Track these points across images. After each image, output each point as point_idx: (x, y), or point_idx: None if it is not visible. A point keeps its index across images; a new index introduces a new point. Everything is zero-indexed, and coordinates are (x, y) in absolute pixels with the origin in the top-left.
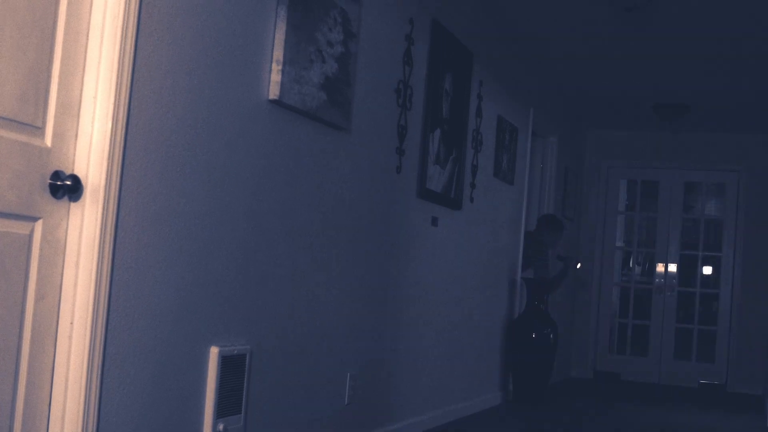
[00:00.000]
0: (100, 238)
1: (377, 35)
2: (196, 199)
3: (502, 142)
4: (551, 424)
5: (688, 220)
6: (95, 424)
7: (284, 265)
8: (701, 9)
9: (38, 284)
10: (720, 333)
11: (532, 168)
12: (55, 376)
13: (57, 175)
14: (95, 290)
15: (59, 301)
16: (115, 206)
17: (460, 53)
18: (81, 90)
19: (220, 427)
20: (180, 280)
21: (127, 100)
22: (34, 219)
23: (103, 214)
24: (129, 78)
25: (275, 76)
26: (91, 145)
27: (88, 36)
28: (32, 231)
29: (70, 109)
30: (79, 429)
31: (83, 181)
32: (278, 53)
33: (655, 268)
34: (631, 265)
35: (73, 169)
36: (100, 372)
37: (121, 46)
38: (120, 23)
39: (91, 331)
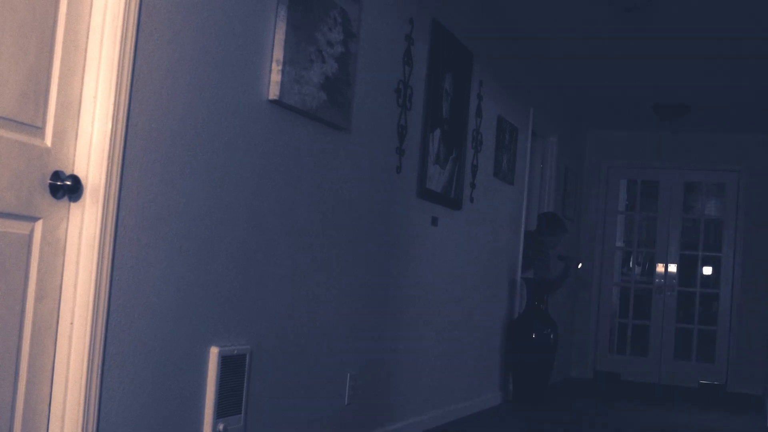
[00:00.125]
0: (100, 238)
1: (377, 35)
2: (196, 199)
3: (502, 142)
4: (551, 424)
5: (688, 220)
6: (95, 423)
7: (284, 265)
8: (701, 9)
9: (38, 284)
10: (720, 333)
11: (532, 168)
12: (55, 376)
13: (57, 175)
14: (95, 290)
15: (59, 301)
16: (115, 206)
17: (460, 53)
18: (81, 90)
19: (220, 427)
20: (180, 280)
21: (127, 100)
22: (34, 219)
23: (103, 214)
24: (129, 78)
25: (275, 76)
26: (91, 145)
27: (88, 36)
28: (32, 231)
29: (70, 109)
30: (79, 429)
31: (83, 181)
32: (278, 53)
33: (655, 268)
34: (631, 265)
35: (73, 169)
36: (100, 372)
37: (121, 46)
38: (120, 23)
39: (91, 331)
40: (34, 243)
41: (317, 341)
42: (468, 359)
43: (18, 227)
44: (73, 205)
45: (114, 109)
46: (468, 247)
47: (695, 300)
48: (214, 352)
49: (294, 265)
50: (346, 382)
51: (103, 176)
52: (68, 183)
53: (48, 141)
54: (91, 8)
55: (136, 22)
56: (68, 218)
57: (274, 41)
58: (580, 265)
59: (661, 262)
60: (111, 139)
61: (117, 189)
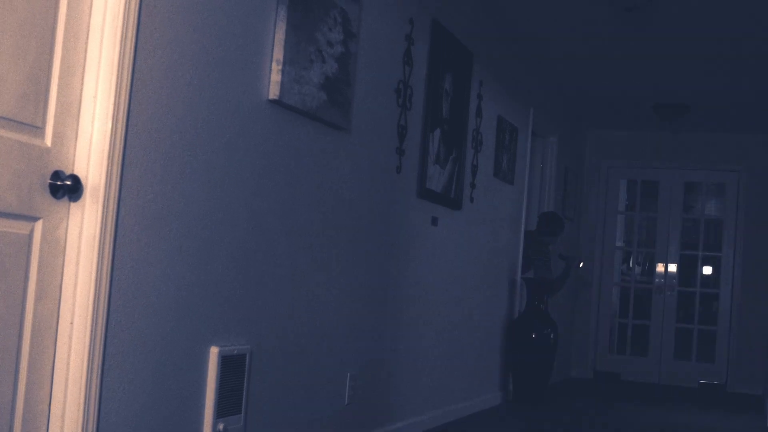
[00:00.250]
0: (100, 238)
1: (377, 35)
2: (196, 199)
3: (502, 142)
4: (551, 424)
5: (688, 220)
6: (95, 423)
7: (284, 265)
8: (701, 9)
9: (38, 284)
10: (720, 333)
11: (532, 168)
12: (55, 376)
13: (57, 175)
14: (95, 290)
15: (59, 301)
16: (115, 206)
17: (460, 53)
18: (81, 90)
19: (220, 427)
20: (180, 279)
21: (127, 100)
22: (34, 219)
23: (103, 214)
24: (129, 78)
25: (275, 76)
26: (91, 145)
27: (88, 36)
28: (32, 231)
29: (70, 109)
30: (79, 428)
31: (83, 181)
32: (278, 53)
33: (655, 268)
34: (631, 265)
35: (73, 169)
36: (100, 372)
37: (121, 46)
38: (120, 23)
39: (91, 331)
40: (34, 243)
41: (317, 341)
42: (468, 359)
43: (18, 227)
44: (73, 205)
45: (114, 109)
46: (468, 247)
47: (695, 300)
48: (214, 352)
49: (294, 265)
50: (346, 382)
51: (103, 176)
52: (68, 183)
53: (48, 141)
54: (91, 8)
55: (136, 22)
56: (68, 218)
57: (274, 41)
58: (581, 265)
59: (661, 262)
60: (111, 139)
61: (117, 189)
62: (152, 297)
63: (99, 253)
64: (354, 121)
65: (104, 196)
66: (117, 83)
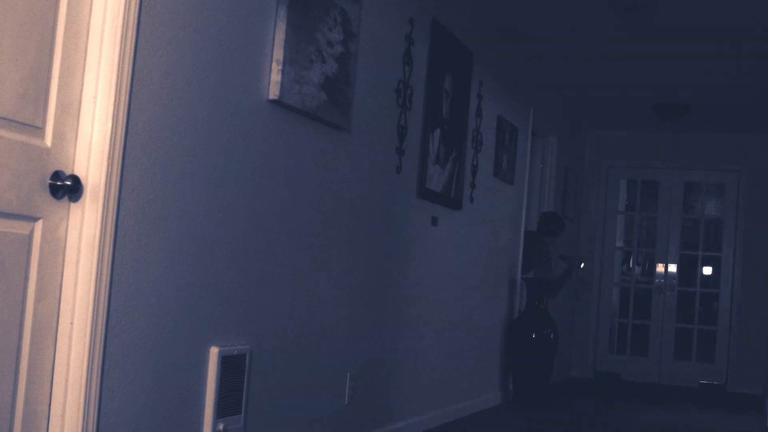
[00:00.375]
0: (100, 238)
1: (377, 35)
2: (196, 199)
3: (502, 142)
4: (551, 424)
5: (688, 220)
6: (95, 423)
7: (284, 265)
8: (701, 9)
9: (38, 284)
10: (720, 333)
11: (532, 168)
12: (55, 376)
13: (57, 175)
14: (95, 290)
15: (59, 301)
16: (115, 206)
17: (460, 53)
18: (81, 90)
19: (220, 427)
20: (180, 279)
21: (127, 100)
22: (34, 219)
23: (103, 214)
24: (129, 78)
25: (275, 76)
26: (91, 145)
27: (88, 36)
28: (32, 231)
29: (70, 109)
30: (79, 429)
31: (83, 181)
32: (278, 53)
33: (655, 268)
34: (631, 265)
35: (73, 169)
36: (100, 372)
37: (121, 46)
38: (120, 23)
39: (91, 331)
40: (34, 243)
41: (317, 341)
42: (468, 359)
43: (18, 227)
44: (73, 205)
45: (114, 109)
46: (468, 247)
47: (695, 300)
48: (214, 352)
49: (294, 265)
50: (346, 382)
51: (103, 176)
52: (68, 183)
53: (48, 141)
54: (91, 8)
55: (136, 22)
56: (68, 218)
57: (274, 41)
58: (582, 265)
59: (661, 262)
60: (111, 139)
61: (117, 189)
62: (152, 297)
63: (99, 253)
64: (354, 121)
65: (104, 197)
66: (117, 83)
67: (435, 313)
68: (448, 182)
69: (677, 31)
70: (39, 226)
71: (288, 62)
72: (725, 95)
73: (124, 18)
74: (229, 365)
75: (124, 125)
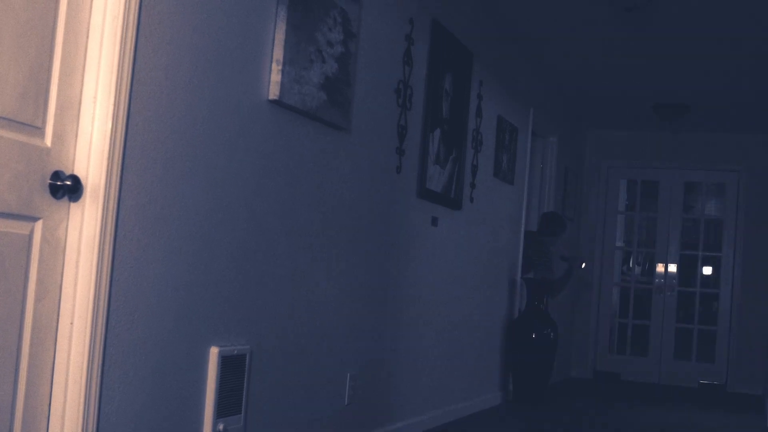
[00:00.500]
0: (100, 238)
1: (377, 35)
2: (196, 199)
3: (502, 142)
4: (551, 424)
5: (688, 220)
6: (95, 423)
7: (284, 265)
8: (701, 9)
9: (38, 284)
10: (720, 333)
11: (532, 168)
12: (55, 376)
13: (57, 175)
14: (95, 290)
15: (59, 301)
16: (115, 206)
17: (460, 53)
18: (81, 90)
19: (220, 427)
20: (180, 280)
21: (127, 100)
22: (34, 219)
23: (103, 214)
24: (129, 78)
25: (275, 76)
26: (91, 145)
27: (88, 36)
28: (32, 231)
29: (70, 109)
30: (79, 429)
31: (83, 181)
32: (278, 53)
33: (655, 268)
34: (631, 265)
35: (73, 169)
36: (100, 372)
37: (121, 46)
38: (120, 23)
39: (91, 331)
40: (34, 243)
41: (317, 341)
42: (468, 359)
43: (18, 227)
44: (73, 205)
45: (114, 109)
46: (468, 247)
47: (695, 300)
48: (214, 352)
49: (294, 265)
50: (346, 382)
51: (103, 176)
52: (68, 183)
53: (48, 141)
54: (91, 8)
55: (136, 22)
56: (68, 218)
57: (274, 41)
58: (583, 265)
59: (661, 262)
60: (111, 139)
61: (117, 189)
62: (152, 297)
63: (99, 253)
64: (354, 121)
65: (104, 197)
66: (117, 83)
67: (435, 313)
68: (448, 182)
69: (677, 31)
70: (39, 226)
71: (288, 62)
72: (725, 95)
73: (124, 18)
74: (229, 365)
75: (124, 125)
